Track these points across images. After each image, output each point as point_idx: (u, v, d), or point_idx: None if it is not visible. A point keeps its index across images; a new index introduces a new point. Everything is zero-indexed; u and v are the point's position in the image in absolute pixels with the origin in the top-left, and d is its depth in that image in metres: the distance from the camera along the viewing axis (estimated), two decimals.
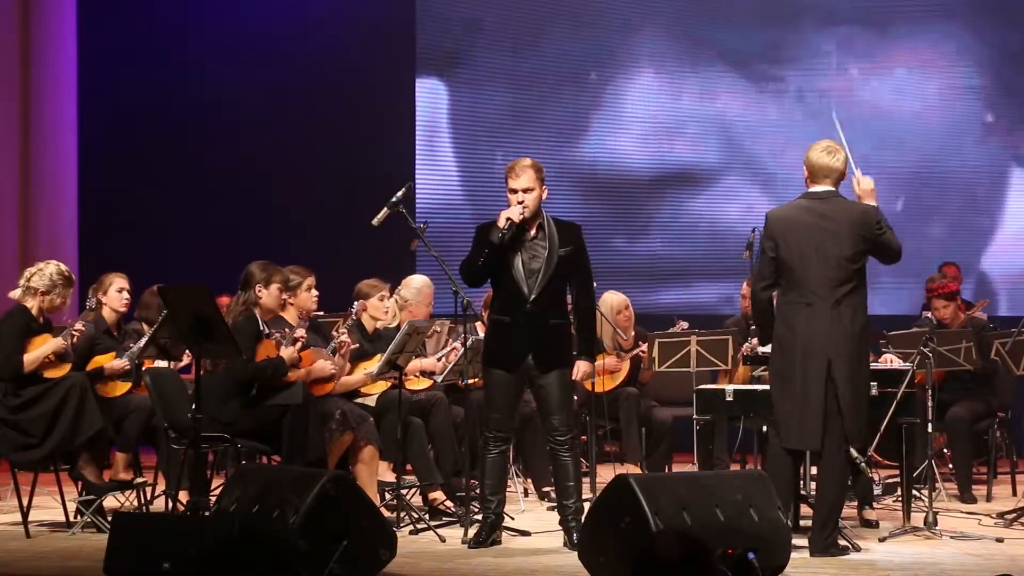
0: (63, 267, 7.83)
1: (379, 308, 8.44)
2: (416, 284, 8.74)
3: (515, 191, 7.02)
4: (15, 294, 7.76)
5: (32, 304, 7.70)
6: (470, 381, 7.70)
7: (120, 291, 8.23)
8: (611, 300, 9.44)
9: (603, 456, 9.64)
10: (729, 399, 7.58)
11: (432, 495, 8.15)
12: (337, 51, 12.92)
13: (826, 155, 6.81)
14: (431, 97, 12.96)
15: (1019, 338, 8.39)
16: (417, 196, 11.89)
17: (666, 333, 9.27)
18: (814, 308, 6.65)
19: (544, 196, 7.10)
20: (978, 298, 11.51)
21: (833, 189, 6.82)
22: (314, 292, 8.03)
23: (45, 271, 7.75)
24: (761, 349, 7.30)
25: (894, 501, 8.28)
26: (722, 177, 12.81)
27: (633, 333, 9.46)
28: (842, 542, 6.77)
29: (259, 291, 7.67)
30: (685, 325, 9.52)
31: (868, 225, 6.72)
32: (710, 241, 12.71)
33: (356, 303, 8.30)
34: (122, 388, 8.00)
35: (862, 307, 6.75)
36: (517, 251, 7.01)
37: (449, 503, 8.15)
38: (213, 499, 7.19)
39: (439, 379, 8.50)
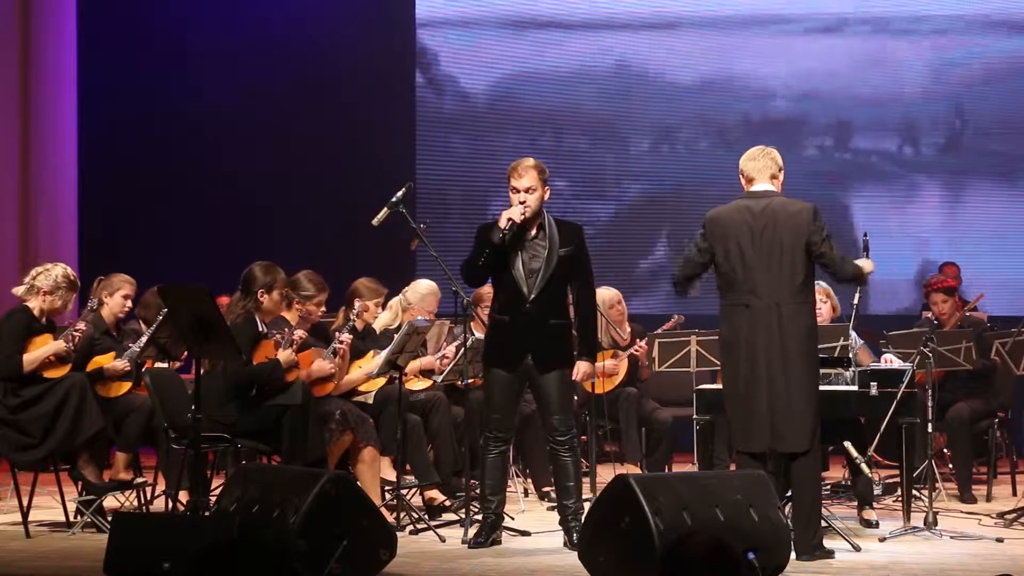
0: (69, 271, 7.85)
1: (373, 312, 8.46)
2: (422, 290, 8.73)
3: (517, 191, 7.02)
4: (19, 290, 7.77)
5: (35, 304, 7.71)
6: (470, 381, 7.70)
7: (125, 298, 8.24)
8: (603, 295, 9.39)
9: (603, 456, 9.64)
10: None
11: (429, 494, 8.16)
12: (337, 50, 12.93)
13: (758, 153, 6.82)
14: (432, 95, 12.96)
15: (1019, 338, 8.40)
16: (417, 196, 11.89)
17: (666, 333, 9.28)
18: (752, 309, 6.61)
19: (547, 197, 7.09)
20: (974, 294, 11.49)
21: (772, 188, 6.78)
22: (322, 308, 8.06)
23: (51, 272, 7.76)
24: None
25: (894, 501, 8.28)
26: (726, 172, 12.78)
27: (630, 330, 9.46)
28: (829, 543, 6.75)
29: (261, 296, 7.66)
30: (682, 319, 9.53)
31: (809, 221, 6.63)
32: None
33: (357, 303, 8.29)
34: (122, 388, 8.00)
35: (806, 308, 6.67)
36: (517, 251, 7.00)
37: (447, 502, 8.16)
38: (213, 499, 7.20)
39: (439, 379, 8.51)
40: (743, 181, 6.86)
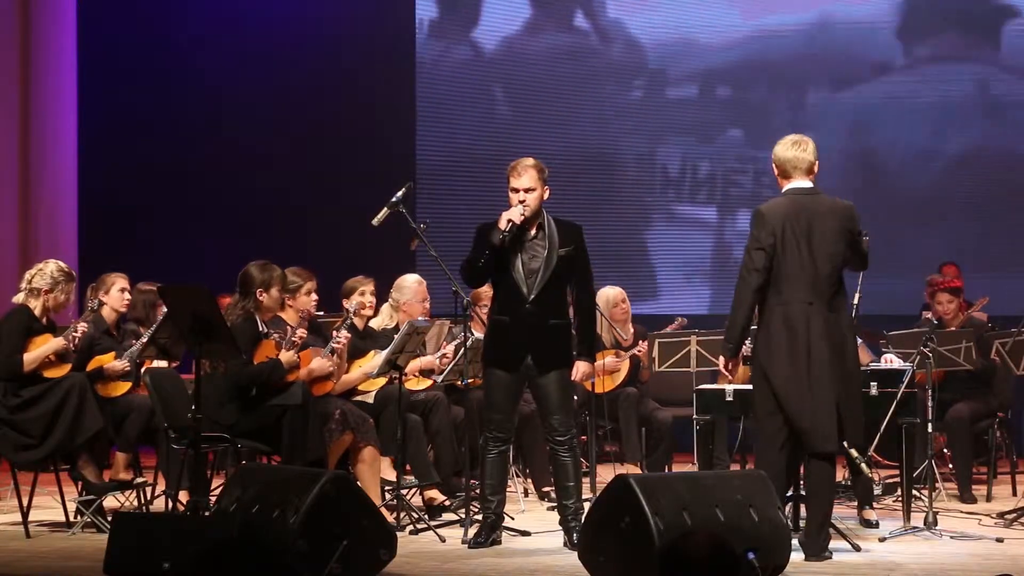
0: (62, 264, 7.85)
1: (370, 306, 8.47)
2: (407, 283, 8.73)
3: (516, 191, 7.01)
4: (18, 298, 7.76)
5: (35, 304, 7.71)
6: (470, 381, 7.70)
7: (122, 291, 8.26)
8: (607, 294, 9.41)
9: (603, 456, 9.64)
10: (729, 399, 7.58)
11: (429, 494, 8.16)
12: (337, 49, 12.93)
13: (795, 147, 6.76)
14: (432, 95, 12.96)
15: (1019, 338, 8.40)
16: (417, 196, 11.88)
17: (666, 333, 9.28)
18: (815, 306, 6.57)
19: (546, 196, 7.09)
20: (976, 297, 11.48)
21: (812, 184, 6.76)
22: (313, 296, 8.04)
23: (45, 270, 7.76)
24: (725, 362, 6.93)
25: (894, 501, 8.28)
26: (727, 173, 12.79)
27: (632, 331, 9.46)
28: (835, 543, 6.75)
29: (261, 296, 7.65)
30: (684, 322, 9.52)
31: (852, 220, 6.68)
32: (712, 239, 12.72)
33: (354, 302, 8.30)
34: (122, 388, 8.01)
35: (845, 306, 6.74)
36: (517, 251, 7.00)
37: (447, 502, 8.16)
38: (213, 499, 7.20)
39: (439, 379, 8.51)
40: (777, 173, 6.81)
